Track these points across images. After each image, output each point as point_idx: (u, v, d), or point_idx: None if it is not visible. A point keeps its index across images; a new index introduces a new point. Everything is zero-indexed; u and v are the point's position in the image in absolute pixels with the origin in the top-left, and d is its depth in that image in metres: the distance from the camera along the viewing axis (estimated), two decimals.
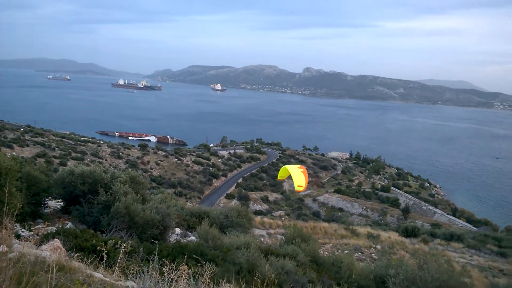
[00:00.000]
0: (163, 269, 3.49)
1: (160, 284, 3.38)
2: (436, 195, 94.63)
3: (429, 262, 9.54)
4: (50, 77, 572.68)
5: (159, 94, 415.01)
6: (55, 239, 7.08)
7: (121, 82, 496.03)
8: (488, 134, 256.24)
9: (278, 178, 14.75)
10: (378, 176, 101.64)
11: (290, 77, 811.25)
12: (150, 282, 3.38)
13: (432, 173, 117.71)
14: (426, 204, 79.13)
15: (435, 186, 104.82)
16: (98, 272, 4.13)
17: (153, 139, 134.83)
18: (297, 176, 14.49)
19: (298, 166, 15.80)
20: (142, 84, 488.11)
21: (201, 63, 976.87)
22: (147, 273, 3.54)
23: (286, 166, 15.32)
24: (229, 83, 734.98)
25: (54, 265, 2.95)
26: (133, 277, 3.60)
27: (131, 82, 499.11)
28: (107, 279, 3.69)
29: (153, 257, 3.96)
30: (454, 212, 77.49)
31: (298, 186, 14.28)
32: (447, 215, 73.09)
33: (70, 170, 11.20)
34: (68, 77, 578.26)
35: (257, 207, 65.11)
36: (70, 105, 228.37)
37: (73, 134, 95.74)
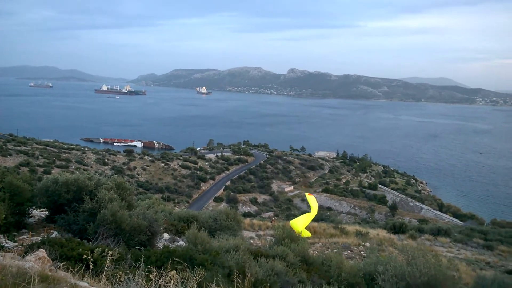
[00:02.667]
0: (150, 275, 3.45)
1: None
2: (422, 191, 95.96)
3: (417, 258, 9.64)
4: (32, 84, 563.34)
5: (144, 99, 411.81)
6: (40, 249, 6.94)
7: (104, 88, 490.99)
8: (470, 129, 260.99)
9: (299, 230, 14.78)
10: (365, 174, 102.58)
11: (275, 78, 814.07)
12: None
13: (417, 170, 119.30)
14: (413, 201, 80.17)
15: (421, 182, 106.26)
16: (84, 281, 4.06)
17: (139, 144, 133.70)
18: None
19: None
20: (126, 89, 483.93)
21: (185, 67, 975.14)
22: (133, 280, 3.49)
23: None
24: (214, 86, 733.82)
25: (36, 276, 2.89)
26: (120, 285, 3.55)
27: (114, 88, 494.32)
28: None
29: (139, 264, 3.91)
30: (441, 207, 78.64)
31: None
32: (433, 211, 74.15)
33: (54, 178, 11.00)
34: (50, 84, 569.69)
35: (246, 209, 65.07)
36: (52, 113, 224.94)
37: (57, 142, 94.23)
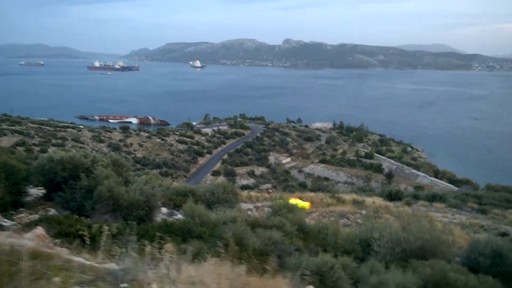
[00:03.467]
0: (146, 248, 3.49)
1: (142, 264, 3.37)
2: (418, 158, 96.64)
3: (412, 223, 9.82)
4: (23, 63, 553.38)
5: (137, 75, 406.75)
6: (38, 227, 6.99)
7: (97, 64, 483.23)
8: (466, 95, 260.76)
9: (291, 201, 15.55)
10: (362, 143, 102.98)
11: (270, 49, 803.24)
12: (131, 262, 3.36)
13: (413, 138, 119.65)
14: (409, 168, 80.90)
15: (417, 150, 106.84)
16: (81, 257, 4.10)
17: (134, 120, 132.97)
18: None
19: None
20: (119, 65, 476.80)
21: (178, 40, 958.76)
22: (127, 253, 3.52)
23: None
24: (208, 59, 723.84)
25: (29, 253, 2.90)
26: (114, 259, 3.59)
27: (107, 64, 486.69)
28: (87, 263, 3.66)
29: (132, 237, 3.94)
30: (436, 173, 79.50)
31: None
32: (429, 177, 75.01)
33: (49, 156, 10.97)
34: (42, 62, 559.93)
35: (244, 181, 65.57)
36: (46, 91, 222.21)
37: (52, 121, 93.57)
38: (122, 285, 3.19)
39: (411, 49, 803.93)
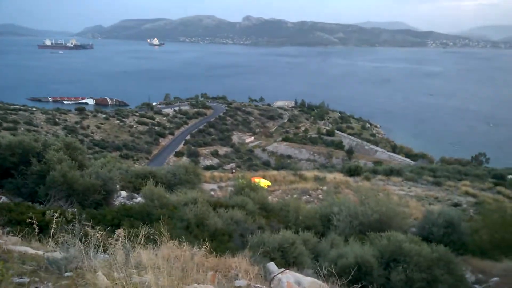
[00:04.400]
0: (97, 235, 3.33)
1: (87, 251, 3.22)
2: (377, 134, 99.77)
3: (370, 197, 10.13)
4: None
5: (92, 53, 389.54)
6: None
7: (48, 42, 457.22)
8: (422, 72, 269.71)
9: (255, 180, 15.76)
10: (323, 121, 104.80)
11: (230, 27, 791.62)
12: (77, 250, 3.21)
13: (372, 114, 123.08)
14: (368, 144, 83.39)
15: (376, 126, 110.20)
16: (30, 246, 3.88)
17: (90, 101, 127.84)
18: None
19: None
20: (72, 43, 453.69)
21: (134, 17, 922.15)
22: (74, 241, 3.36)
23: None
24: (167, 36, 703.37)
25: None
26: (62, 247, 3.42)
27: (59, 42, 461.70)
28: (31, 252, 3.47)
29: (73, 224, 3.77)
30: (394, 149, 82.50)
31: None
32: (387, 152, 77.76)
33: None
34: None
35: (208, 162, 65.24)
36: None
37: (1, 103, 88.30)
38: (66, 274, 3.03)
39: (369, 26, 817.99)
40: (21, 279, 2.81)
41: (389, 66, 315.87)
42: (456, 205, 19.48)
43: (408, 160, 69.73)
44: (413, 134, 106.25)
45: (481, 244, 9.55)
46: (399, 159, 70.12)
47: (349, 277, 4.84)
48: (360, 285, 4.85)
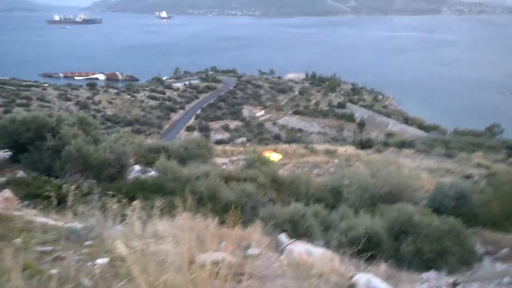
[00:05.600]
0: (113, 206, 3.46)
1: (106, 222, 3.36)
2: (389, 106, 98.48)
3: (381, 170, 10.15)
4: None
5: (100, 28, 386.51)
6: (5, 189, 6.83)
7: (56, 18, 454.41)
8: (436, 41, 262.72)
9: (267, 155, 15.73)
10: (334, 93, 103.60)
11: None
12: (96, 220, 3.35)
13: (384, 85, 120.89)
14: (380, 116, 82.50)
15: (388, 97, 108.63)
16: (49, 218, 4.04)
17: (101, 77, 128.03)
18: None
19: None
20: (80, 18, 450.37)
21: None
22: (92, 212, 3.50)
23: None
24: (175, 9, 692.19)
25: None
26: (81, 218, 3.56)
27: (68, 17, 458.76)
28: (51, 223, 3.62)
29: (92, 195, 3.90)
30: (406, 120, 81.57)
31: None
32: (399, 124, 76.97)
33: (11, 117, 10.56)
34: None
35: (219, 136, 65.53)
36: (4, 49, 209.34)
37: (14, 80, 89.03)
38: (86, 243, 3.19)
39: None
40: (44, 248, 2.96)
41: (402, 35, 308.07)
42: (468, 177, 19.40)
43: (420, 132, 68.99)
44: (426, 105, 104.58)
45: (492, 216, 9.57)
46: (412, 131, 69.43)
47: (359, 248, 4.94)
48: (369, 255, 4.96)
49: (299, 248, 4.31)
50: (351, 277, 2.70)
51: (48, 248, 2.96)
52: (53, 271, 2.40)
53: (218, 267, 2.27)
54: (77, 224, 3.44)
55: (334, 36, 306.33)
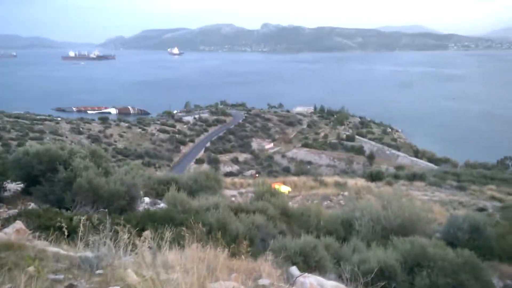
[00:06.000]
0: (124, 236, 3.47)
1: (117, 251, 3.36)
2: (398, 139, 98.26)
3: (392, 202, 10.02)
4: None
5: (113, 63, 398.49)
6: (17, 221, 6.86)
7: (71, 54, 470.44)
8: (444, 76, 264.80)
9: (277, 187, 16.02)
10: (343, 126, 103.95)
11: (248, 34, 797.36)
12: (107, 249, 3.35)
13: (393, 119, 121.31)
14: (389, 149, 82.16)
15: (397, 131, 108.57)
16: (60, 248, 4.05)
17: (113, 111, 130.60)
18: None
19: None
20: (95, 54, 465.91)
21: (155, 27, 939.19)
22: (103, 241, 3.51)
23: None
24: (186, 46, 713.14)
25: (3, 245, 2.83)
26: (93, 247, 3.57)
27: (82, 53, 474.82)
28: (63, 252, 3.63)
29: (104, 224, 3.91)
30: (416, 153, 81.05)
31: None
32: (409, 157, 76.45)
33: (24, 150, 10.77)
34: (14, 53, 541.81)
35: (228, 168, 65.62)
36: (20, 83, 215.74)
37: (28, 114, 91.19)
38: (97, 271, 3.17)
39: (389, 31, 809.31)
40: (56, 276, 2.96)
41: (409, 70, 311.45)
42: (481, 209, 19.02)
43: (431, 164, 68.34)
44: (436, 138, 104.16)
45: (509, 249, 9.32)
46: (422, 164, 68.79)
47: (372, 281, 4.82)
48: None
49: (311, 280, 4.23)
50: None
51: (60, 276, 2.96)
52: None
53: None
54: (88, 253, 3.45)
55: (341, 71, 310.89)
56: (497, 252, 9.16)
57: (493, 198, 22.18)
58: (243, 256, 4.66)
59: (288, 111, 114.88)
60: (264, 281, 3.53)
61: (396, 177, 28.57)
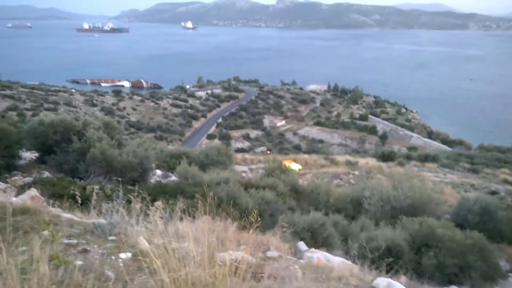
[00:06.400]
0: (137, 206, 3.54)
1: (129, 219, 3.44)
2: (412, 119, 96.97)
3: (403, 182, 9.98)
4: (10, 26, 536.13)
5: (128, 37, 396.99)
6: (32, 189, 7.04)
7: (86, 26, 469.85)
8: (462, 56, 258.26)
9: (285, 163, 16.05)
10: (356, 105, 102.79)
11: (263, 9, 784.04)
12: (120, 217, 3.43)
13: (408, 99, 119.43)
14: (403, 129, 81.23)
15: (412, 111, 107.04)
16: (73, 215, 4.15)
17: (126, 84, 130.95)
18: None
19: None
20: (109, 27, 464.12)
21: (169, 0, 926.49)
22: (116, 210, 3.59)
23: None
24: (200, 20, 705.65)
25: (19, 209, 2.93)
26: (106, 215, 3.66)
27: (96, 26, 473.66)
28: (77, 219, 3.73)
29: (118, 193, 3.99)
30: (430, 134, 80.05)
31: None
32: (423, 138, 75.58)
33: (39, 120, 10.91)
34: (29, 25, 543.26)
35: (239, 145, 65.83)
36: (35, 55, 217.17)
37: (42, 85, 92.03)
38: (110, 237, 3.27)
39: (408, 8, 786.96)
40: (70, 241, 3.06)
41: (427, 49, 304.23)
42: (493, 193, 18.87)
43: (444, 146, 67.53)
44: (451, 120, 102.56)
45: None
46: (435, 145, 68.01)
47: (379, 258, 4.86)
48: (390, 268, 4.87)
49: (318, 255, 4.28)
50: (371, 280, 2.66)
51: (73, 241, 3.05)
52: (79, 262, 2.47)
53: (238, 265, 2.29)
54: (101, 220, 3.54)
55: (358, 49, 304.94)
56: (507, 236, 9.13)
57: (505, 181, 21.96)
58: (252, 230, 4.72)
59: (301, 89, 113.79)
60: (272, 253, 3.60)
61: (408, 157, 28.38)
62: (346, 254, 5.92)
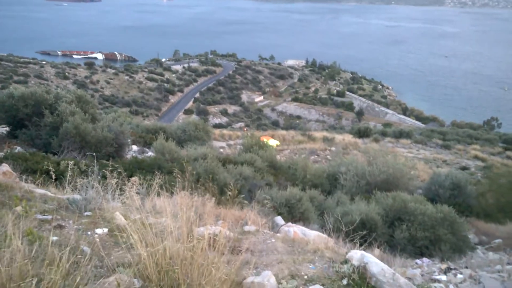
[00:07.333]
0: (113, 181, 3.48)
1: (105, 195, 3.39)
2: (388, 96, 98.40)
3: (377, 158, 10.21)
4: None
5: (99, 6, 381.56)
6: (3, 164, 6.82)
7: None
8: (438, 33, 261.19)
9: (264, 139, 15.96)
10: (334, 82, 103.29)
11: None
12: (95, 193, 3.38)
13: (384, 75, 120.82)
14: (379, 106, 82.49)
15: (387, 88, 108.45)
16: (47, 190, 4.06)
17: (99, 56, 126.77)
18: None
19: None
20: None
21: None
22: (91, 185, 3.52)
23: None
24: None
25: None
26: (81, 190, 3.59)
27: None
28: (51, 194, 3.64)
29: (92, 168, 3.92)
30: (405, 111, 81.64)
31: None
32: (398, 115, 77.06)
33: (9, 93, 10.47)
34: None
35: (217, 120, 65.45)
36: (1, 23, 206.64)
37: (11, 56, 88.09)
38: (85, 213, 3.22)
39: None
40: (44, 216, 2.99)
41: (404, 25, 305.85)
42: (464, 168, 19.54)
43: (418, 123, 69.17)
44: (425, 96, 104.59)
45: (486, 207, 9.68)
46: (410, 122, 69.56)
47: (353, 232, 4.98)
48: (364, 241, 5.00)
49: (295, 229, 4.36)
50: (346, 253, 2.74)
51: (48, 217, 2.99)
52: (53, 238, 2.43)
53: (216, 239, 2.30)
54: (76, 196, 3.47)
55: (336, 24, 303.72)
56: (476, 210, 9.52)
57: (476, 157, 22.74)
58: (230, 205, 4.75)
59: (279, 64, 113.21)
60: (249, 227, 3.64)
61: (384, 134, 28.92)
62: (322, 228, 6.06)
